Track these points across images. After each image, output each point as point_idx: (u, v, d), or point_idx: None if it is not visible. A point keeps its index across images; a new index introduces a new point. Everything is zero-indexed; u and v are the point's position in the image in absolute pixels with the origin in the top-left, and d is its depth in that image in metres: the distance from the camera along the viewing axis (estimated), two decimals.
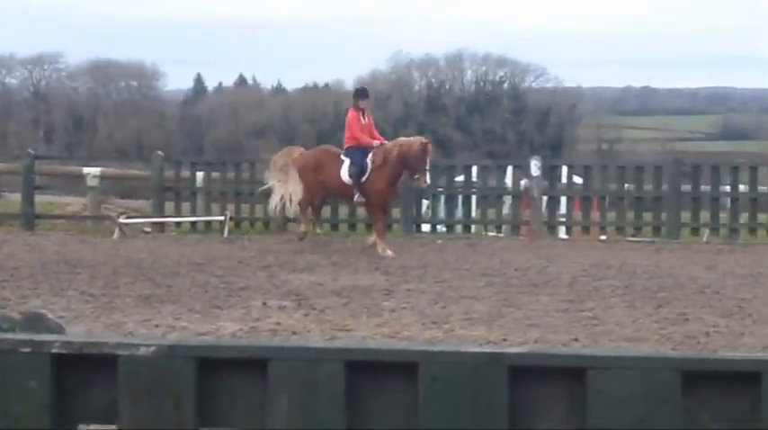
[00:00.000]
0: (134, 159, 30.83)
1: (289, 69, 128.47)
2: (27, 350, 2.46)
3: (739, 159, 23.69)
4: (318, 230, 17.37)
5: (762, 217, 19.36)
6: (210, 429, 2.55)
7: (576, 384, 2.37)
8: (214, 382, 2.48)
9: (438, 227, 20.05)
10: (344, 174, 16.21)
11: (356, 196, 16.28)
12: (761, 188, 19.48)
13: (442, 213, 20.21)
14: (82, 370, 2.49)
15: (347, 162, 16.22)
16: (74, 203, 22.84)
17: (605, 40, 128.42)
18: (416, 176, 15.93)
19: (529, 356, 2.47)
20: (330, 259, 15.29)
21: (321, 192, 16.67)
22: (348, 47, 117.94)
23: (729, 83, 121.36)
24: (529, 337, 9.38)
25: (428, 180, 16.25)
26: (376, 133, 16.60)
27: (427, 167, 15.91)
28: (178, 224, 20.46)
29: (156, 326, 9.87)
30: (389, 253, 15.49)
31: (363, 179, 16.10)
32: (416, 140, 16.33)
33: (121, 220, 19.36)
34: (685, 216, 19.55)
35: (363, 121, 16.41)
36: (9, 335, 2.56)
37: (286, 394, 2.42)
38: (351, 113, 16.52)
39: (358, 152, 16.19)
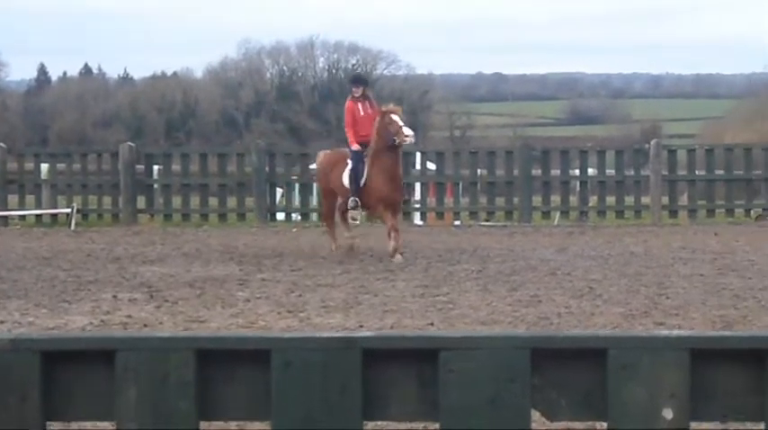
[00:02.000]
0: None
1: (135, 58, 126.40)
2: None
3: (588, 144, 24.30)
4: (349, 237, 14.65)
5: (610, 199, 19.91)
6: (60, 424, 2.48)
7: (429, 365, 2.37)
8: (60, 375, 2.41)
9: (293, 215, 20.00)
10: (345, 178, 14.25)
11: (350, 201, 14.14)
12: (609, 171, 20.02)
13: (296, 202, 20.18)
14: None
15: (349, 164, 14.27)
16: None
17: (456, 27, 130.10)
18: (396, 141, 13.73)
19: (382, 339, 2.46)
20: (182, 250, 15.09)
21: (333, 200, 14.69)
22: (196, 35, 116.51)
23: (577, 68, 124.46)
24: (385, 323, 9.43)
25: (408, 133, 13.78)
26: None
27: (400, 124, 13.74)
28: (23, 217, 19.91)
29: (1, 322, 9.57)
30: (400, 258, 13.46)
31: (362, 183, 14.03)
32: (381, 115, 13.94)
33: None
34: (536, 200, 19.97)
35: (361, 113, 14.26)
36: None
37: (134, 385, 2.36)
38: (346, 105, 14.50)
39: (354, 152, 14.16)
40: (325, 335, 2.44)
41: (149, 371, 2.37)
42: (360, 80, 15.03)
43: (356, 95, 14.31)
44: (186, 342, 2.39)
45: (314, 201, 20.01)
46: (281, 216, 20.03)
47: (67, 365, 2.43)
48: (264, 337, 2.45)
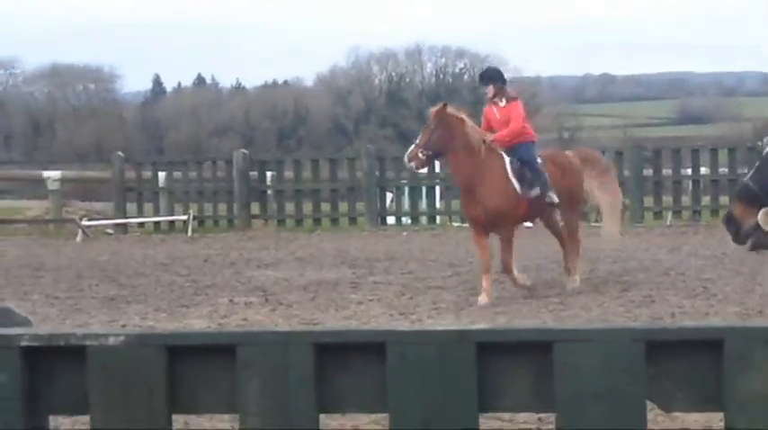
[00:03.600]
0: (94, 162, 30.64)
1: (248, 68, 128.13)
2: None
3: (699, 143, 23.90)
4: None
5: (723, 198, 19.55)
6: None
7: (543, 358, 2.40)
8: (184, 370, 2.50)
9: (403, 219, 20.10)
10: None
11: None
12: (721, 170, 19.67)
13: (406, 205, 20.27)
14: (51, 362, 2.50)
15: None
16: (34, 207, 22.68)
17: (563, 28, 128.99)
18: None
19: (495, 332, 2.50)
20: (295, 255, 15.29)
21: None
22: (306, 44, 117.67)
23: (686, 68, 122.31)
24: (497, 324, 9.43)
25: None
26: (515, 127, 11.45)
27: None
28: (141, 225, 20.38)
29: (123, 326, 9.83)
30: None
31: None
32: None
33: (84, 223, 19.25)
34: (648, 200, 19.71)
35: (497, 117, 11.56)
36: None
37: (255, 378, 2.44)
38: (484, 111, 11.83)
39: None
40: (440, 328, 2.48)
41: (269, 365, 2.44)
42: (485, 77, 11.96)
43: (490, 97, 11.60)
44: (305, 336, 2.46)
45: (423, 204, 20.08)
46: (391, 220, 20.15)
47: (191, 360, 2.51)
48: (380, 331, 2.51)
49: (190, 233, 19.30)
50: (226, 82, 71.08)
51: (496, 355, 2.43)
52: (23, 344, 2.46)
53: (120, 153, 21.32)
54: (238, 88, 68.45)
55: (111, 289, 12.14)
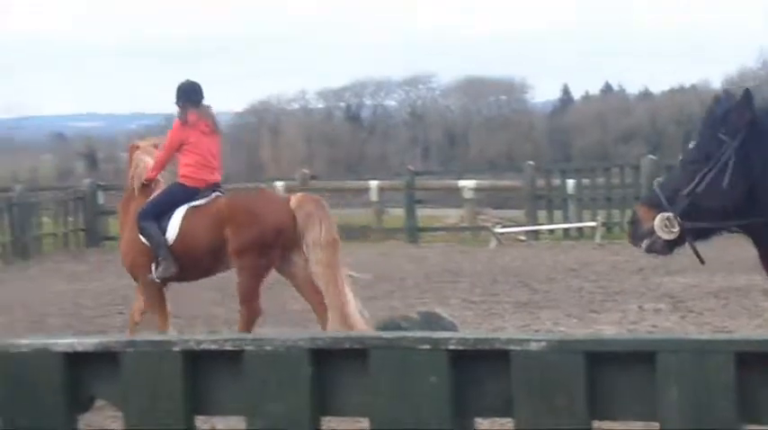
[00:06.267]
0: (505, 171, 31.37)
1: (655, 74, 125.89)
2: (426, 347, 2.61)
3: None
4: None
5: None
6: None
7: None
8: (603, 376, 2.54)
9: None
10: None
11: None
12: None
13: None
14: (476, 365, 2.61)
15: None
16: (451, 216, 23.60)
17: None
18: None
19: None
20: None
21: None
22: (710, 45, 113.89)
23: None
24: None
25: None
26: None
27: None
28: (551, 231, 20.63)
29: (536, 331, 10.03)
30: None
31: None
32: None
33: (497, 230, 19.79)
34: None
35: None
36: (409, 334, 2.74)
37: (676, 386, 2.44)
38: None
39: None
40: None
41: (690, 374, 2.44)
42: None
43: None
44: (725, 344, 2.44)
45: None
46: None
47: (609, 366, 2.55)
48: None
49: (598, 239, 19.29)
50: (633, 88, 70.39)
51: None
52: (451, 347, 2.60)
53: (530, 162, 21.72)
54: (645, 94, 67.51)
55: (523, 294, 12.41)
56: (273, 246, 9.10)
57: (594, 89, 70.79)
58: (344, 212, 24.47)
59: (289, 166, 41.88)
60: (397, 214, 22.96)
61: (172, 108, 9.79)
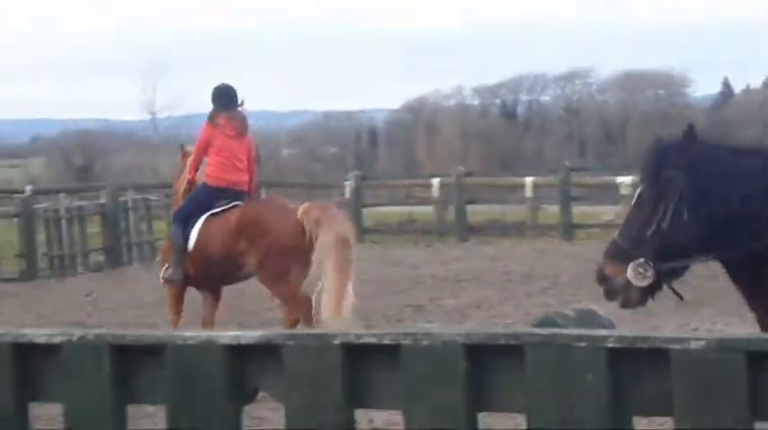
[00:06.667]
0: None
1: None
2: (583, 344, 2.61)
3: None
4: None
5: None
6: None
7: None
8: (765, 376, 2.50)
9: None
10: None
11: None
12: None
13: None
14: (634, 363, 2.60)
15: None
16: (607, 212, 23.28)
17: None
18: None
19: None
20: None
21: None
22: None
23: None
24: None
25: None
26: None
27: None
28: None
29: (694, 329, 9.83)
30: None
31: None
32: None
33: None
34: None
35: None
36: (565, 331, 2.74)
37: None
38: None
39: None
40: None
41: None
42: None
43: None
44: None
45: None
46: None
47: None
48: None
49: None
50: None
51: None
52: (609, 345, 2.59)
53: None
54: None
55: (682, 292, 12.16)
56: (288, 253, 9.36)
57: (757, 82, 68.86)
58: (499, 209, 24.42)
59: (444, 163, 42.00)
60: (552, 211, 22.78)
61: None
